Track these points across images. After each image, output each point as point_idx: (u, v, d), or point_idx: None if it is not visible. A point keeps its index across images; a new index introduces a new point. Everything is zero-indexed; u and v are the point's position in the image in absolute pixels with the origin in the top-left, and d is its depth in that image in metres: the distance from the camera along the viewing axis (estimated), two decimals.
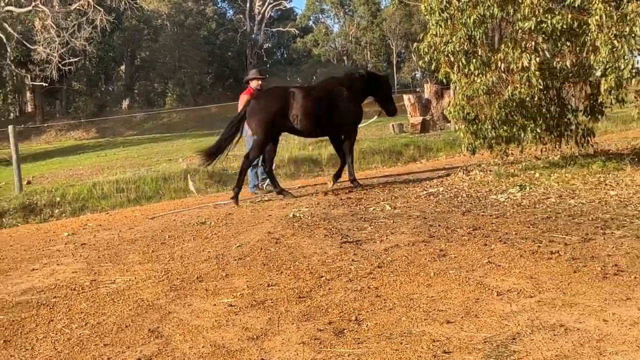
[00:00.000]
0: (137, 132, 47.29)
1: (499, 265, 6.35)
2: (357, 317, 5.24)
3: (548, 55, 11.05)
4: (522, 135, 12.05)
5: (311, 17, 79.81)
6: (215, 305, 5.90)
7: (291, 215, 9.57)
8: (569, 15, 10.63)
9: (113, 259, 8.09)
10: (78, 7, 40.75)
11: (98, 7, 40.08)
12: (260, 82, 13.33)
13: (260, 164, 12.72)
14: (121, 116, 51.79)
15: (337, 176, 12.49)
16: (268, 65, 71.17)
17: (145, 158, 22.46)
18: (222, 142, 11.62)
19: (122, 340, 5.18)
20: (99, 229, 10.65)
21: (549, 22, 10.60)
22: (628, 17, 10.12)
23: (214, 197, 13.55)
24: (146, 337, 5.21)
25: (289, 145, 20.54)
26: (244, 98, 12.79)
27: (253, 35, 68.87)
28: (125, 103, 64.56)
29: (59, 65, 41.35)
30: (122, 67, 65.03)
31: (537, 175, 11.35)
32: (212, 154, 11.62)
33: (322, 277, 6.48)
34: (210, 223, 9.75)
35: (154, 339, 5.15)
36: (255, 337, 5.00)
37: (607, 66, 10.28)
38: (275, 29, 71.51)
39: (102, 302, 6.29)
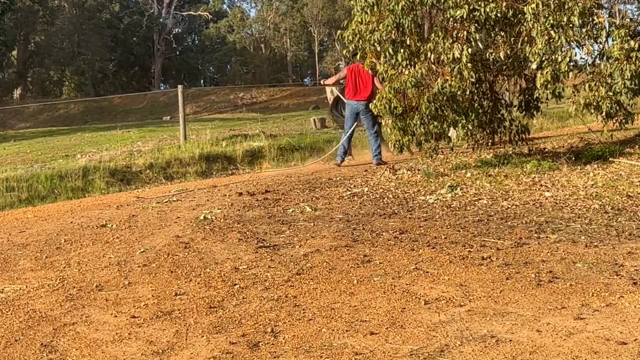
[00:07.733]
0: (30, 125, 46.33)
1: (427, 272, 6.43)
2: (274, 328, 5.24)
3: (481, 46, 11.19)
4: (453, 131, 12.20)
5: (225, 1, 79.58)
6: (116, 316, 5.83)
7: (202, 218, 9.52)
8: (504, 3, 10.78)
9: (1, 266, 7.91)
10: None
11: None
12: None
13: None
14: (12, 107, 50.74)
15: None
16: (178, 53, 70.55)
17: (40, 153, 21.96)
18: None
19: (11, 356, 5.07)
20: None
21: (482, 10, 10.74)
22: (566, 6, 10.32)
23: (116, 197, 13.37)
24: (38, 352, 5.12)
25: (200, 140, 20.40)
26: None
27: (161, 20, 68.11)
28: (17, 92, 63.23)
29: None
30: (14, 53, 63.57)
31: (468, 175, 11.51)
32: None
33: (235, 285, 6.47)
34: (112, 226, 9.62)
35: (48, 354, 5.06)
36: (160, 351, 4.96)
37: (544, 58, 10.47)
38: (186, 13, 70.82)
39: None
